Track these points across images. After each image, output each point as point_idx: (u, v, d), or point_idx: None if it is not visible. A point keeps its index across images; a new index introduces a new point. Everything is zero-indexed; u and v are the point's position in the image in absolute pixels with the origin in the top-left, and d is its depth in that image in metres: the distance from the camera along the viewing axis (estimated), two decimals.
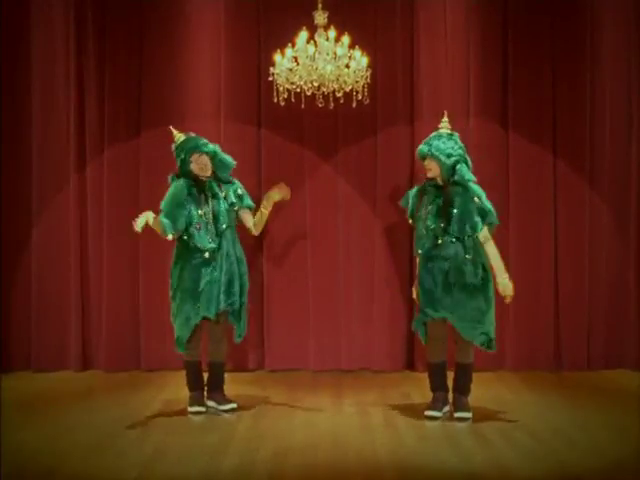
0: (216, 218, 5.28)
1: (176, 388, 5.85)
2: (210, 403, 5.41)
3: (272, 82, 5.41)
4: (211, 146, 5.38)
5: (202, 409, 5.33)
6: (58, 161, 6.71)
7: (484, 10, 6.58)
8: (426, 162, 5.13)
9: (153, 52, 6.67)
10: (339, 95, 5.45)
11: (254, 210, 5.53)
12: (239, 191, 5.46)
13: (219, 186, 5.38)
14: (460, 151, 5.13)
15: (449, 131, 5.23)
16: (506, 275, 5.14)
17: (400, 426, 5.03)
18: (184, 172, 5.32)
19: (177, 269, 5.30)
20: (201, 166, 5.29)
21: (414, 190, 5.32)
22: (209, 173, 5.34)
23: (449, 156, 5.06)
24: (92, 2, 6.60)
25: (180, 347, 5.36)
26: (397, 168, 6.63)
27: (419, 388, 5.90)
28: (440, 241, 5.04)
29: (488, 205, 5.07)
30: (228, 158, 5.46)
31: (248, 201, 5.51)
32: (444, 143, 5.09)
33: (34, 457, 4.45)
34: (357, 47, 5.48)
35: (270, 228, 6.67)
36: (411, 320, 6.62)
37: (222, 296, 5.27)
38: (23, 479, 4.19)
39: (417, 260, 5.29)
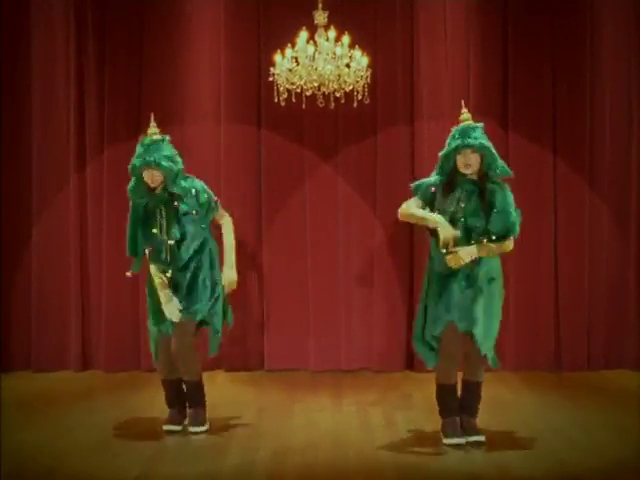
0: (168, 233, 4.88)
1: None
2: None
3: (272, 82, 5.41)
4: (170, 165, 4.88)
5: (177, 428, 4.94)
6: (58, 161, 6.71)
7: (484, 10, 6.58)
8: (464, 157, 4.55)
9: (153, 52, 6.67)
10: (339, 95, 5.45)
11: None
12: (193, 191, 4.91)
13: (171, 195, 4.90)
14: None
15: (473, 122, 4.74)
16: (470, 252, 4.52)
17: (400, 426, 5.03)
18: (133, 172, 4.98)
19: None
20: (152, 179, 4.89)
21: (435, 180, 4.69)
22: (157, 185, 4.92)
23: (491, 149, 4.60)
24: (92, 2, 6.61)
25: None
26: (397, 168, 6.63)
27: (419, 388, 5.91)
28: (473, 242, 4.53)
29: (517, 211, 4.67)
30: (184, 184, 4.94)
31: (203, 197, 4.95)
32: (483, 136, 4.62)
33: (34, 457, 4.46)
34: (357, 47, 5.49)
35: (270, 228, 6.68)
36: (411, 320, 6.64)
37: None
38: (23, 479, 4.20)
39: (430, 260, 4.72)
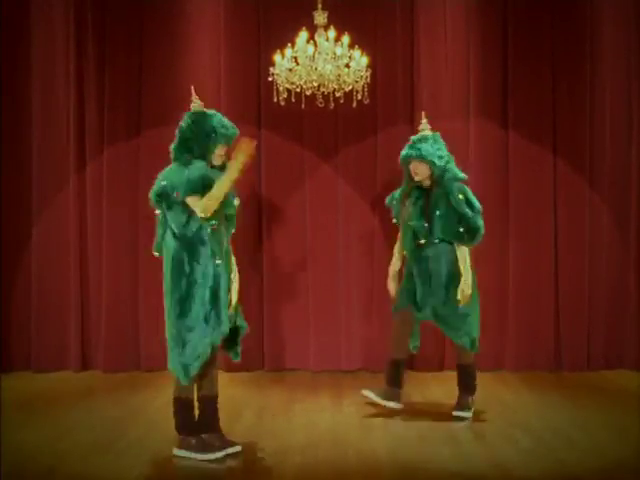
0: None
1: None
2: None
3: (272, 82, 5.41)
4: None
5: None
6: (58, 161, 6.71)
7: (484, 10, 6.58)
8: (412, 165, 5.10)
9: (153, 52, 6.67)
10: (339, 95, 5.45)
11: None
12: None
13: None
14: (446, 151, 5.13)
15: (430, 132, 5.23)
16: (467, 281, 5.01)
17: (400, 426, 5.03)
18: (200, 155, 4.37)
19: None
20: (222, 159, 4.42)
21: (398, 191, 5.34)
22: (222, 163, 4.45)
23: (440, 157, 5.05)
24: (92, 2, 6.60)
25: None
26: (397, 168, 6.59)
27: (419, 388, 5.91)
28: (423, 241, 5.07)
29: (470, 212, 5.00)
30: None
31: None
32: (432, 145, 5.07)
33: (34, 457, 4.46)
34: (357, 47, 5.49)
35: (270, 228, 6.68)
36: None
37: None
38: (23, 479, 4.19)
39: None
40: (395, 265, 5.39)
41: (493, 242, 6.53)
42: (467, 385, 5.21)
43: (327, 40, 5.36)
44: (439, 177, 5.06)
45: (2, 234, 6.67)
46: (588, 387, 6.07)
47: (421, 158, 5.04)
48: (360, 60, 5.43)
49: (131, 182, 6.66)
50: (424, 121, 5.27)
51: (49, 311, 6.72)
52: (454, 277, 5.03)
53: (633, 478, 4.14)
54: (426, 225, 5.04)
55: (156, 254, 4.48)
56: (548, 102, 6.59)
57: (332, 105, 5.53)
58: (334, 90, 5.42)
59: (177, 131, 4.50)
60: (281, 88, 5.37)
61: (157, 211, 4.40)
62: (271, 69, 5.43)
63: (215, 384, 4.53)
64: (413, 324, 5.21)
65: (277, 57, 5.41)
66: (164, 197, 4.30)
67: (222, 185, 4.23)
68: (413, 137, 5.23)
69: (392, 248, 6.43)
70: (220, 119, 4.50)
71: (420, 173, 5.08)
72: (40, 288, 6.71)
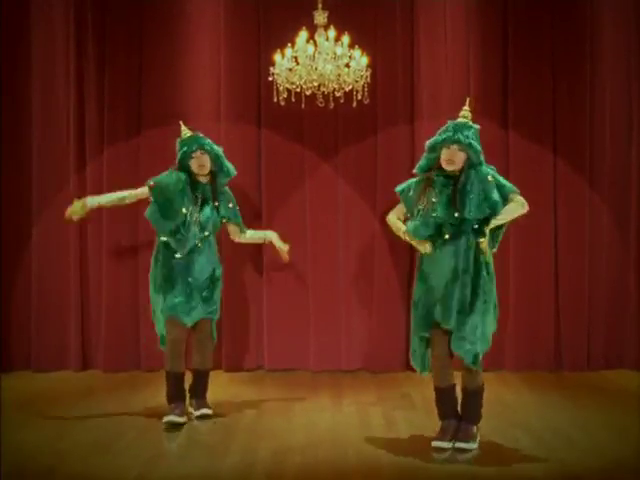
0: (201, 223, 5.15)
1: None
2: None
3: (272, 82, 5.41)
4: (215, 148, 5.25)
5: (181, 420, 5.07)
6: (58, 161, 6.71)
7: (484, 10, 6.58)
8: (449, 153, 4.46)
9: (153, 52, 6.67)
10: (339, 95, 5.45)
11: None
12: (230, 204, 5.34)
13: (213, 193, 5.23)
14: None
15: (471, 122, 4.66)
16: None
17: (400, 426, 5.03)
18: (183, 166, 5.18)
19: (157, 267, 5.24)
20: (200, 164, 5.13)
21: (415, 180, 4.66)
22: (206, 172, 5.17)
23: (479, 149, 4.51)
24: (92, 2, 6.61)
25: (162, 344, 5.31)
26: (397, 168, 6.62)
27: (419, 388, 5.90)
28: (447, 236, 4.47)
29: (504, 181, 4.53)
30: (231, 166, 5.32)
31: (238, 217, 5.42)
32: (473, 134, 4.52)
33: (34, 457, 4.45)
34: (357, 47, 5.48)
35: (270, 228, 6.67)
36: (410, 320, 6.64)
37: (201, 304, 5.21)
38: (23, 479, 4.19)
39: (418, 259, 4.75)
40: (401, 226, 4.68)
41: None
42: (470, 413, 4.59)
43: (327, 40, 5.36)
44: (470, 166, 4.49)
45: (2, 234, 6.68)
46: (588, 387, 6.07)
47: (463, 145, 4.46)
48: (360, 60, 5.43)
49: (131, 182, 6.61)
50: (466, 108, 4.69)
51: (49, 311, 6.72)
52: (477, 275, 4.45)
53: (633, 478, 4.14)
54: (457, 215, 4.41)
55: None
56: (548, 102, 6.59)
57: (332, 105, 5.53)
58: (334, 90, 5.42)
59: None
60: (281, 88, 5.37)
61: None
62: (271, 69, 5.43)
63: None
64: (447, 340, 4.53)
65: (277, 57, 5.41)
66: None
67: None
68: (454, 122, 4.61)
69: (392, 248, 6.45)
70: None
71: (457, 161, 4.46)
72: (40, 288, 6.71)
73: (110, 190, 6.62)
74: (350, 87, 5.44)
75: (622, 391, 5.94)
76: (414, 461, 4.36)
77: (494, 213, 4.44)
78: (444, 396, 4.60)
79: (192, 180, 5.17)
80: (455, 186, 4.46)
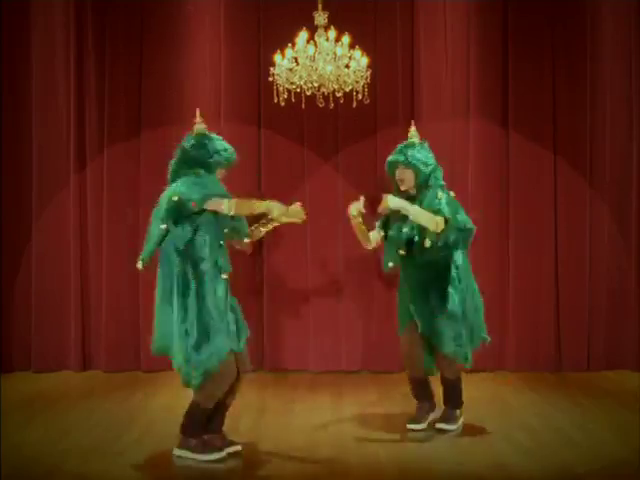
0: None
1: (176, 389, 5.83)
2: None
3: (272, 82, 5.41)
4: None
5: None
6: (58, 161, 6.71)
7: (484, 10, 6.58)
8: (398, 172, 4.89)
9: (153, 52, 6.67)
10: (339, 95, 5.44)
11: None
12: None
13: None
14: (434, 159, 4.94)
15: (418, 140, 5.01)
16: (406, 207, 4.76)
17: (400, 426, 5.03)
18: (210, 170, 4.52)
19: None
20: (222, 176, 4.63)
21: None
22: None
23: (426, 165, 4.86)
24: (92, 3, 6.61)
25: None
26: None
27: None
28: (415, 253, 4.86)
29: (447, 209, 4.77)
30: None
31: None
32: (419, 152, 4.88)
33: (34, 457, 4.45)
34: (357, 47, 5.48)
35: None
36: None
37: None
38: (23, 479, 4.19)
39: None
40: (361, 228, 5.01)
41: (493, 242, 6.55)
42: (453, 400, 5.02)
43: (327, 40, 5.36)
44: (424, 184, 4.86)
45: (2, 234, 6.68)
46: (589, 387, 6.07)
47: (407, 164, 4.84)
48: (360, 60, 5.42)
49: (131, 182, 6.67)
50: (413, 129, 5.07)
51: (49, 311, 6.72)
52: (445, 284, 4.83)
53: (633, 478, 4.14)
54: (416, 237, 4.80)
55: (141, 266, 4.44)
56: (548, 102, 6.59)
57: (332, 105, 5.53)
58: (334, 90, 5.41)
59: (178, 151, 4.55)
60: (281, 88, 5.36)
61: (162, 225, 4.35)
62: (271, 69, 5.43)
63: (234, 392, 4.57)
64: (420, 339, 4.97)
65: (277, 57, 5.41)
66: (176, 211, 4.31)
67: (251, 206, 4.46)
68: (402, 144, 5.01)
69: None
70: (223, 143, 4.58)
71: (406, 180, 4.87)
72: (40, 288, 6.71)
73: (110, 190, 6.64)
74: (350, 87, 5.44)
75: (622, 391, 5.94)
76: (414, 461, 4.37)
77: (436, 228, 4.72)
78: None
79: None
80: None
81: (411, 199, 4.86)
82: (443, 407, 5.04)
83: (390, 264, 5.05)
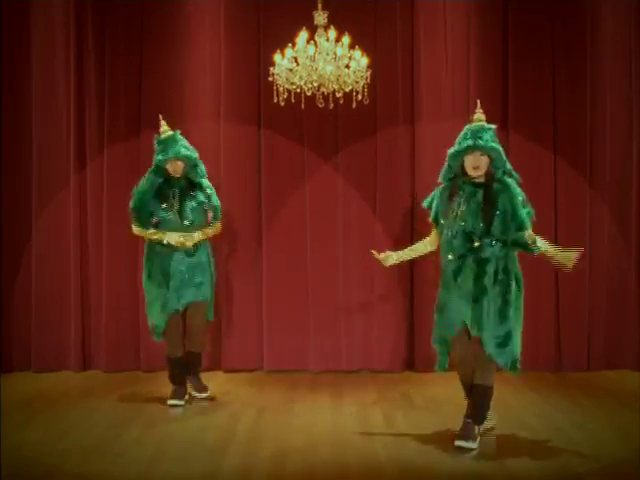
0: (180, 214, 5.53)
1: None
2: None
3: (272, 82, 5.41)
4: (190, 154, 5.59)
5: (181, 402, 5.58)
6: (58, 161, 6.71)
7: (484, 10, 6.58)
8: (473, 159, 4.52)
9: (153, 52, 6.67)
10: (339, 95, 5.44)
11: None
12: (208, 191, 5.71)
13: (189, 185, 5.64)
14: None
15: (486, 123, 4.67)
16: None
17: (400, 426, 5.03)
18: (158, 168, 5.60)
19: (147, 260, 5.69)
20: (175, 169, 5.56)
21: (440, 189, 4.76)
22: (180, 175, 5.59)
23: (500, 152, 4.56)
24: (92, 3, 6.61)
25: (156, 336, 5.67)
26: (397, 168, 6.63)
27: (419, 388, 5.91)
28: (477, 244, 4.49)
29: (528, 207, 4.59)
30: (204, 169, 5.74)
31: (213, 204, 5.71)
32: (492, 136, 4.56)
33: (34, 457, 4.46)
34: (357, 47, 5.48)
35: (270, 228, 6.68)
36: (411, 319, 6.64)
37: (191, 289, 5.60)
38: (23, 479, 4.19)
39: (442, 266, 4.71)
40: (403, 255, 4.89)
41: None
42: (479, 412, 4.63)
43: (327, 40, 5.35)
44: (496, 172, 4.57)
45: (2, 234, 6.68)
46: (589, 387, 6.07)
47: (489, 149, 4.50)
48: (360, 60, 5.42)
49: (131, 182, 6.62)
50: (480, 110, 4.72)
51: (49, 311, 6.72)
52: (509, 283, 4.53)
53: (633, 478, 4.14)
54: (482, 225, 4.47)
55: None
56: (548, 102, 6.59)
57: (332, 105, 5.53)
58: (334, 90, 5.41)
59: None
60: (281, 88, 5.36)
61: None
62: (271, 69, 5.43)
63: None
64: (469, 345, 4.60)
65: (277, 57, 5.41)
66: None
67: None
68: (471, 128, 4.63)
69: (392, 248, 6.41)
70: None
71: (482, 166, 4.51)
72: (40, 288, 6.71)
73: (110, 190, 6.64)
74: (350, 88, 5.43)
75: (622, 391, 5.94)
76: (414, 461, 4.37)
77: (521, 231, 4.49)
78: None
79: (167, 178, 5.61)
80: (485, 196, 4.52)
81: (478, 187, 4.56)
82: (464, 420, 4.66)
83: (449, 256, 4.60)
